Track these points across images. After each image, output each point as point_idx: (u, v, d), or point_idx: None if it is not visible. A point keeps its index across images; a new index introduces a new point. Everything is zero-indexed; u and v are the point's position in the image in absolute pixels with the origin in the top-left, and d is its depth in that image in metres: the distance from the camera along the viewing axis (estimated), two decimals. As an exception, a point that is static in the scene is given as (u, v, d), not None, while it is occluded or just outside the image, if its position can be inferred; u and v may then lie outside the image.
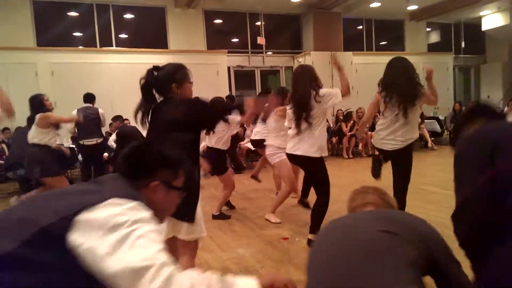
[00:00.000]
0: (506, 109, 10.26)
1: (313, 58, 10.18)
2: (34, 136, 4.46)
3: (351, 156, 8.90)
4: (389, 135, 3.26)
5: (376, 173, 3.49)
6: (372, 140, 4.59)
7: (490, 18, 12.40)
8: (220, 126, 3.88)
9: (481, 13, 12.24)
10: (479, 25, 12.68)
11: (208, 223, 3.34)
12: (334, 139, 9.24)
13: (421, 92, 3.17)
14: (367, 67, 10.79)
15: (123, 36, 9.34)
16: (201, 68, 9.17)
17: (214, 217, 4.22)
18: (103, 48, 8.84)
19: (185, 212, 2.07)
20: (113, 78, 8.28)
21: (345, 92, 3.28)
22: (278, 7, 10.38)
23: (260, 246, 3.33)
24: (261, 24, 10.57)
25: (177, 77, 2.28)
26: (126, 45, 9.11)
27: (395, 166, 3.25)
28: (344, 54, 10.63)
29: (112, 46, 9.05)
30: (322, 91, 3.18)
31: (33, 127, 4.48)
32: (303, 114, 3.18)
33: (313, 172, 3.38)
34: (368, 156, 8.70)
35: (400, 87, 3.10)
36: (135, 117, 2.26)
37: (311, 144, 3.18)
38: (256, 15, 10.50)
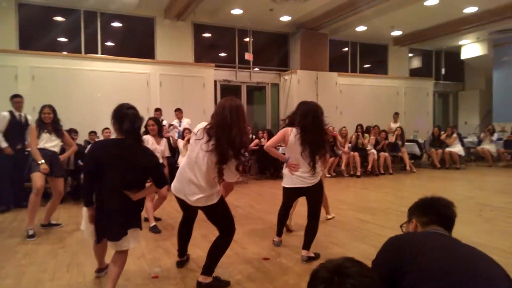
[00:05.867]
0: (482, 135, 10.62)
1: (299, 77, 10.32)
2: None
3: (333, 174, 8.96)
4: None
5: None
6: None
7: (469, 48, 12.91)
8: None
9: (461, 42, 12.75)
10: (459, 53, 13.19)
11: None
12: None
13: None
14: (351, 88, 11.01)
15: (109, 44, 9.24)
16: (187, 80, 9.16)
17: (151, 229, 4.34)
18: (88, 55, 8.72)
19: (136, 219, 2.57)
20: (96, 85, 8.15)
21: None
22: (267, 25, 10.52)
23: (240, 266, 3.26)
24: (249, 40, 10.67)
25: None
26: (112, 53, 9.01)
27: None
28: (329, 75, 10.82)
29: (97, 53, 8.93)
30: None
31: None
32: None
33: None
34: (350, 175, 8.78)
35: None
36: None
37: None
38: (245, 32, 10.60)
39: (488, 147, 10.13)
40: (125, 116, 2.55)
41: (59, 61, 8.00)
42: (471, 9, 9.45)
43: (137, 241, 2.67)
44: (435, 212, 1.58)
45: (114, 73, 8.38)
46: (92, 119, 7.59)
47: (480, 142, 10.56)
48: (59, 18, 8.76)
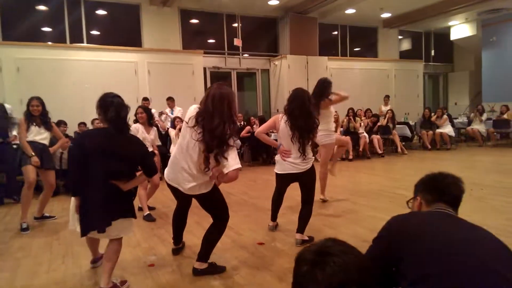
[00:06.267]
0: (472, 115, 10.72)
1: (289, 62, 10.25)
2: None
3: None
4: None
5: None
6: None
7: (458, 28, 12.93)
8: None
9: (450, 23, 12.74)
10: (448, 34, 13.20)
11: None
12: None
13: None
14: (342, 72, 10.98)
15: (94, 32, 9.05)
16: (176, 68, 9.04)
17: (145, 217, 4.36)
18: (73, 44, 8.53)
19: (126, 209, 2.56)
20: (83, 75, 8.01)
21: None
22: (256, 10, 10.38)
23: (235, 252, 3.28)
24: (238, 26, 10.53)
25: None
26: (98, 42, 8.83)
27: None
28: (320, 59, 10.76)
29: (83, 42, 8.74)
30: None
31: None
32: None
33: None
34: (342, 159, 8.83)
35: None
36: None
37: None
38: (233, 17, 10.45)
39: (478, 127, 10.24)
40: (110, 104, 2.51)
41: (44, 51, 7.82)
42: (459, -11, 9.43)
43: (129, 231, 2.64)
44: (440, 190, 1.52)
45: (101, 62, 8.23)
46: (80, 110, 7.48)
47: (470, 122, 10.67)
48: (42, 7, 8.54)
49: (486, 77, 12.49)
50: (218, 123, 2.54)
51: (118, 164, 2.50)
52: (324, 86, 4.66)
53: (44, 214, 4.59)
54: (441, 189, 1.52)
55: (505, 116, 10.07)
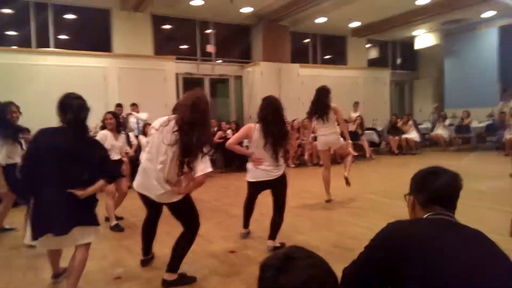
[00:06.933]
0: (437, 123, 11.20)
1: (262, 69, 10.35)
2: None
3: (297, 162, 9.13)
4: None
5: None
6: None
7: (422, 38, 13.49)
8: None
9: (415, 33, 13.28)
10: (413, 43, 13.74)
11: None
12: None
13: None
14: (313, 79, 11.14)
15: (62, 37, 8.81)
16: (147, 74, 8.92)
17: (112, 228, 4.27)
18: (40, 49, 8.26)
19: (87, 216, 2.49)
20: (50, 81, 7.73)
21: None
22: (229, 17, 10.43)
23: (206, 261, 3.27)
24: (211, 32, 10.54)
25: None
26: (65, 46, 8.59)
27: None
28: (292, 66, 10.93)
29: (49, 47, 8.48)
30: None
31: None
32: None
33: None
34: (313, 165, 8.97)
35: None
36: None
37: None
38: (206, 23, 10.45)
39: (441, 132, 10.70)
40: (69, 106, 2.45)
41: (8, 56, 7.53)
42: (423, 1, 9.85)
43: (91, 238, 2.52)
44: (432, 193, 1.41)
45: (69, 67, 8.00)
46: (46, 117, 7.10)
47: (434, 128, 11.13)
48: (6, 10, 8.22)
49: (448, 84, 13.09)
50: (197, 129, 2.56)
51: (75, 167, 2.39)
52: (326, 93, 5.29)
53: (4, 226, 4.40)
54: (433, 192, 1.41)
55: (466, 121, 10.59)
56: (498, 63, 11.78)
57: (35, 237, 2.37)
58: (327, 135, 5.21)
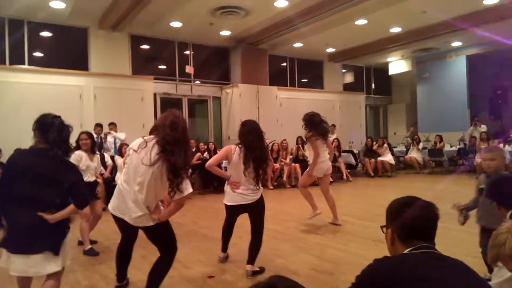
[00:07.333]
0: (411, 147, 11.51)
1: (241, 90, 10.45)
2: None
3: (275, 184, 9.12)
4: None
5: None
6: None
7: (396, 64, 14.05)
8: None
9: (388, 59, 13.83)
10: (387, 69, 14.28)
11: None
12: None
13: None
14: (291, 101, 11.38)
15: (38, 54, 8.63)
16: (125, 93, 8.82)
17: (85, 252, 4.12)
18: (14, 66, 8.05)
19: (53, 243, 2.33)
20: (23, 99, 7.52)
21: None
22: (208, 39, 10.55)
23: (183, 287, 3.16)
24: (190, 53, 10.60)
25: None
26: (41, 64, 8.41)
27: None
28: (270, 89, 11.10)
29: (24, 64, 8.28)
30: None
31: None
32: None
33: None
34: (292, 186, 8.99)
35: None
36: None
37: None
38: (185, 44, 10.52)
39: (415, 155, 11.00)
40: (50, 125, 2.37)
41: (-22, 72, 7.28)
42: (396, 29, 10.32)
43: (56, 266, 2.35)
44: (410, 228, 1.40)
45: (43, 85, 7.82)
46: (18, 136, 6.95)
47: (407, 151, 11.44)
48: (-21, 26, 8.03)
49: (421, 109, 13.59)
50: (181, 147, 2.55)
51: (48, 190, 2.31)
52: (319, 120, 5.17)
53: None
54: (411, 227, 1.40)
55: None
56: (468, 89, 12.36)
57: None
58: (325, 161, 5.13)
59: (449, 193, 7.33)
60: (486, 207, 2.61)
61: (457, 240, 3.90)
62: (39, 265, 2.29)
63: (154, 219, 2.62)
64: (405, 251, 1.39)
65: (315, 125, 5.09)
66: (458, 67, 12.58)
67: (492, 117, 13.21)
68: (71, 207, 2.41)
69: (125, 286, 3.12)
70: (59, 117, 2.47)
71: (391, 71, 14.26)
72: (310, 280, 3.08)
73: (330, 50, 12.43)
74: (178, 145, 2.55)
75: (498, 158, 2.84)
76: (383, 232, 1.53)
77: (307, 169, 5.23)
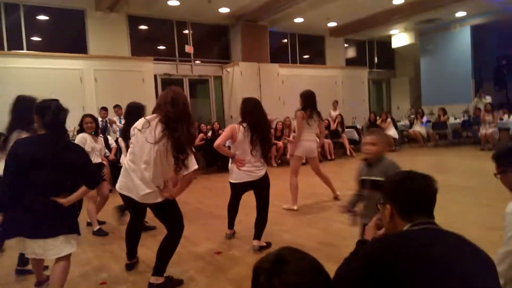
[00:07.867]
0: (414, 119, 11.46)
1: (242, 69, 10.34)
2: None
3: (279, 162, 9.16)
4: None
5: None
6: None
7: (398, 37, 13.79)
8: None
9: (391, 32, 13.55)
10: (390, 42, 14.02)
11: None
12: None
13: None
14: (292, 78, 11.25)
15: (36, 38, 8.54)
16: (125, 75, 8.76)
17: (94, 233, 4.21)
18: (12, 51, 7.98)
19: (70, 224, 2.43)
20: (23, 84, 7.46)
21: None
22: (206, 17, 10.36)
23: (192, 263, 3.23)
24: (189, 32, 10.44)
25: None
26: (39, 48, 8.33)
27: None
28: (271, 66, 10.96)
29: (22, 49, 8.21)
30: None
31: None
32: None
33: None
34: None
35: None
36: None
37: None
38: (183, 23, 10.35)
39: (419, 129, 10.96)
40: (47, 108, 2.38)
41: (-23, 58, 7.24)
42: (398, 0, 10.06)
43: (73, 247, 2.45)
44: (410, 202, 1.37)
45: (43, 70, 7.77)
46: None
47: (411, 125, 11.39)
48: (-26, 11, 7.91)
49: (424, 82, 13.42)
50: (184, 124, 2.59)
51: (59, 174, 2.35)
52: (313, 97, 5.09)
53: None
54: (409, 199, 1.38)
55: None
56: (472, 60, 12.15)
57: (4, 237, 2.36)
58: (309, 140, 4.96)
59: (454, 166, 7.35)
60: (372, 203, 2.20)
61: (462, 212, 3.93)
62: (58, 247, 2.37)
63: (165, 196, 2.66)
64: (405, 228, 1.36)
65: (306, 98, 5.08)
66: (463, 38, 12.32)
67: (497, 88, 13.05)
68: (83, 188, 2.46)
69: (135, 263, 3.20)
70: (57, 100, 2.47)
71: (394, 44, 13.99)
72: (316, 253, 3.10)
73: (332, 24, 12.18)
74: (181, 121, 2.58)
75: (379, 143, 2.49)
76: (379, 209, 1.50)
77: (289, 150, 5.19)
